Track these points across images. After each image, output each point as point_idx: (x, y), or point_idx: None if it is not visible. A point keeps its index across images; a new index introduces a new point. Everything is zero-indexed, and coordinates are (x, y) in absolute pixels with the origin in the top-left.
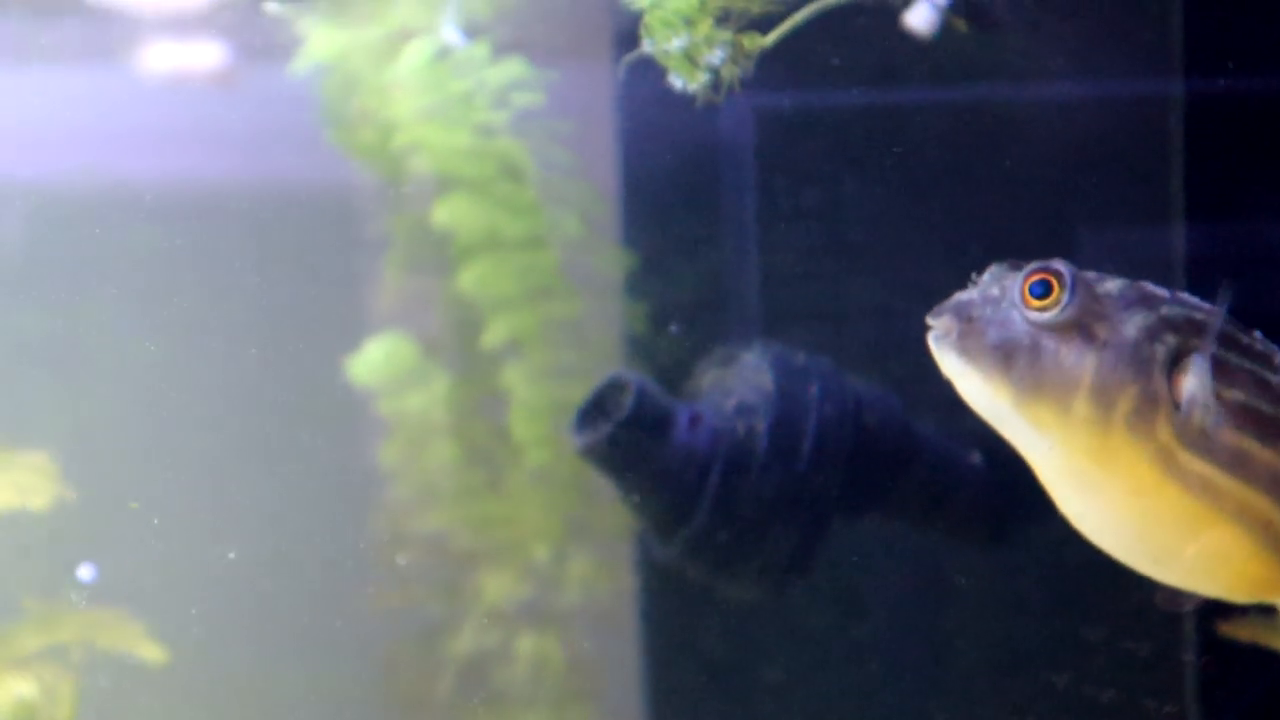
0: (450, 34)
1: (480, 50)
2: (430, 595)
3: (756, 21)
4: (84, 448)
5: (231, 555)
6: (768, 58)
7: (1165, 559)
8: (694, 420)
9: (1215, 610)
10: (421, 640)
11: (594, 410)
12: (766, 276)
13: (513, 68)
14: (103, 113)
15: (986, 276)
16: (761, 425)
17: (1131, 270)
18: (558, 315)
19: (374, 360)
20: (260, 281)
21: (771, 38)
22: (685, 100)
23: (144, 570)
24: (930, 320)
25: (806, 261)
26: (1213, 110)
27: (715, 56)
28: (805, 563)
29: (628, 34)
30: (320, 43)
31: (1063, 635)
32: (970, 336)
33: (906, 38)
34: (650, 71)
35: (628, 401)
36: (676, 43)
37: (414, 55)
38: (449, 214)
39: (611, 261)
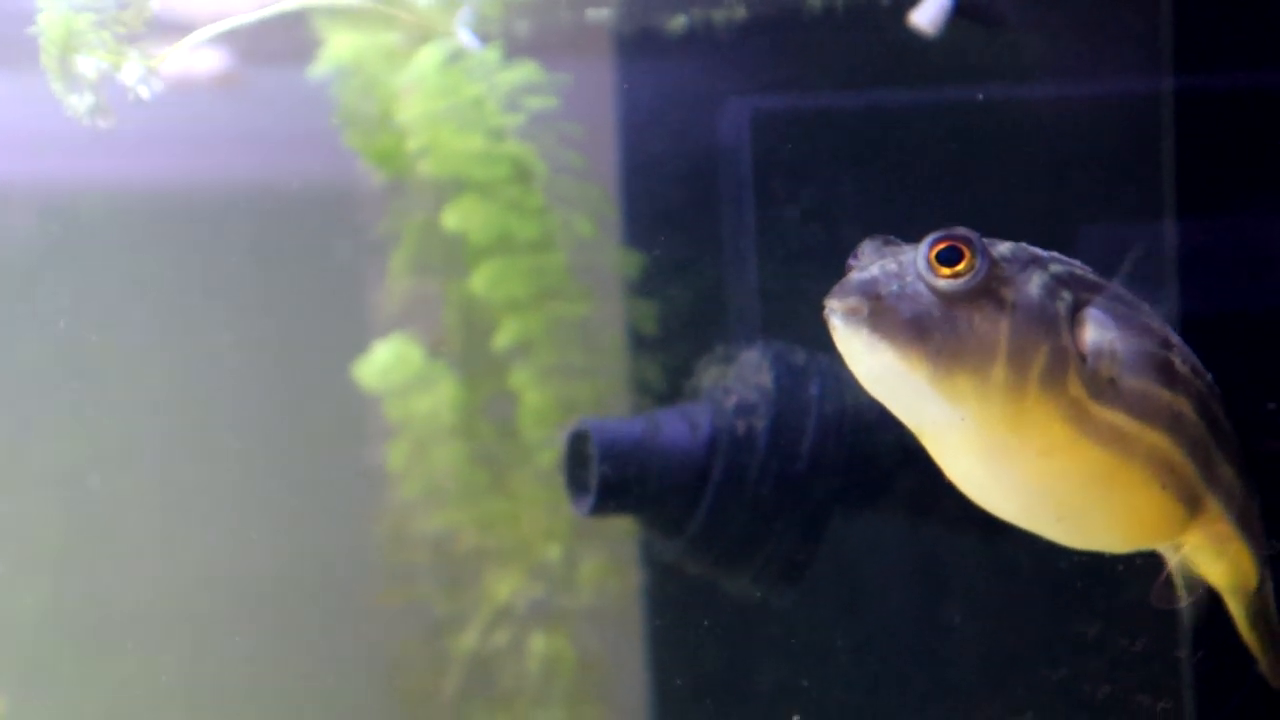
0: (465, 37)
1: (492, 54)
2: (438, 595)
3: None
4: (91, 450)
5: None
6: (767, 58)
7: (1069, 515)
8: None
9: (1209, 606)
10: (429, 639)
11: (575, 462)
12: (767, 276)
13: (524, 71)
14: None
15: (866, 251)
16: (761, 424)
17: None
18: (566, 316)
19: (381, 363)
20: (265, 284)
21: (161, 57)
22: (688, 101)
23: (151, 571)
24: (832, 301)
25: (807, 261)
26: (1204, 106)
27: (132, 75)
28: (804, 561)
29: (631, 36)
30: (338, 46)
31: (1058, 633)
32: (881, 314)
33: (898, 39)
34: (652, 74)
35: (593, 469)
36: (61, 65)
37: (427, 59)
38: (460, 217)
39: (618, 262)
